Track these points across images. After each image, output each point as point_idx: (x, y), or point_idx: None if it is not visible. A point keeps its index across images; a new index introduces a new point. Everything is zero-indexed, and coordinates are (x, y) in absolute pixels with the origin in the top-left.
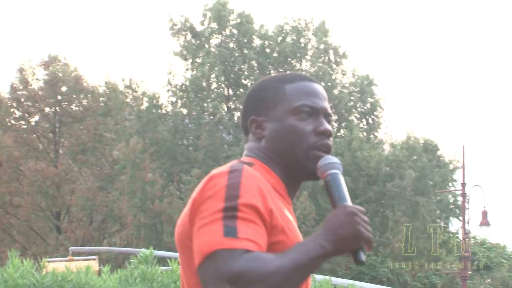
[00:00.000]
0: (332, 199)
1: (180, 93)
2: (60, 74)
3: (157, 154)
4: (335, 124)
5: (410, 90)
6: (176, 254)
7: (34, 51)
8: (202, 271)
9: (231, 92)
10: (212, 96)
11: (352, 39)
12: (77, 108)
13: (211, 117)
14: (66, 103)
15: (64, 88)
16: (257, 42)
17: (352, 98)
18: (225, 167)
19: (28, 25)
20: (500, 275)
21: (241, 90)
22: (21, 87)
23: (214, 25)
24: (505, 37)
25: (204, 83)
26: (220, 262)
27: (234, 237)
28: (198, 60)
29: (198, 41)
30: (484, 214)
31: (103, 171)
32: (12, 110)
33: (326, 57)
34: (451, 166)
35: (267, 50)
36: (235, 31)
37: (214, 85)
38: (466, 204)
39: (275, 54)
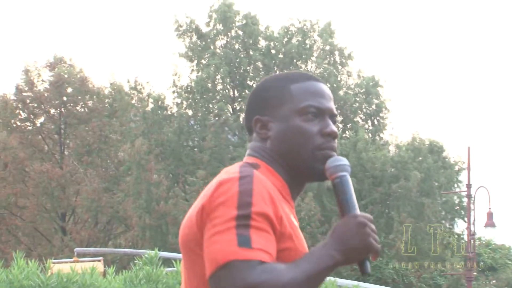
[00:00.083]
0: (341, 204)
1: (186, 94)
2: (66, 76)
3: (162, 156)
4: (341, 126)
5: (416, 92)
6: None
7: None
8: (215, 281)
9: (236, 93)
10: (218, 97)
11: (357, 40)
12: (82, 110)
13: (217, 118)
14: (72, 105)
15: (69, 90)
16: (262, 43)
17: (358, 99)
18: (234, 172)
19: (34, 26)
20: (505, 276)
21: (247, 91)
22: (26, 89)
23: (219, 26)
24: (511, 38)
25: (209, 85)
26: (235, 273)
27: (249, 247)
28: (203, 62)
29: (203, 43)
30: (490, 215)
31: (108, 173)
32: (17, 111)
33: (332, 59)
34: (457, 167)
35: (273, 51)
36: (240, 33)
37: (219, 87)
38: (471, 205)
39: (281, 56)
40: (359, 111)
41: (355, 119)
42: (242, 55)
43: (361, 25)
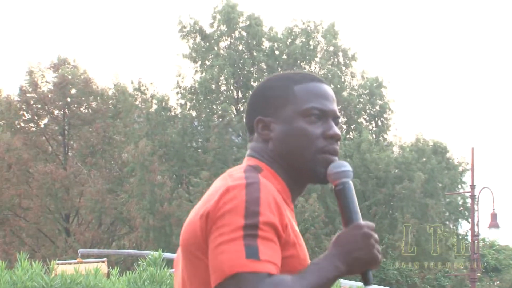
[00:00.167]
0: (344, 211)
1: (189, 95)
2: (70, 77)
3: (166, 157)
4: (344, 127)
5: (419, 92)
6: None
7: (43, 54)
8: None
9: (240, 94)
10: (221, 98)
11: (361, 41)
12: (86, 111)
13: (220, 119)
14: (75, 106)
15: (73, 91)
16: (266, 44)
17: (361, 100)
18: (240, 177)
19: (38, 27)
20: (509, 277)
21: (250, 92)
22: (30, 90)
23: (223, 27)
24: None
25: (213, 86)
26: (243, 285)
27: (256, 259)
28: (207, 63)
29: (207, 44)
30: (493, 216)
31: (112, 174)
32: (21, 112)
33: (335, 59)
34: (460, 168)
35: (276, 52)
36: (244, 34)
37: (223, 88)
38: (475, 206)
39: (284, 57)
40: (363, 112)
41: (359, 120)
42: (245, 56)
43: (365, 26)
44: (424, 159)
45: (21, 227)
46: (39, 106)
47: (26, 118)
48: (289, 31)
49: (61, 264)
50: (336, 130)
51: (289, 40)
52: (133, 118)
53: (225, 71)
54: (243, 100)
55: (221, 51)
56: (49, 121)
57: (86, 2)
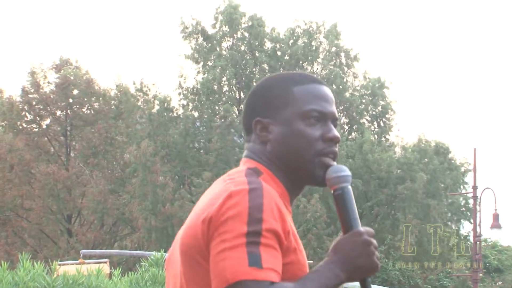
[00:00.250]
0: (344, 217)
1: (192, 96)
2: (72, 77)
3: (168, 157)
4: (346, 127)
5: (422, 93)
6: None
7: (45, 54)
8: None
9: (242, 95)
10: (224, 99)
11: (363, 42)
12: (88, 111)
13: (222, 120)
14: (78, 106)
15: (75, 91)
16: (268, 45)
17: (364, 101)
18: (243, 182)
19: (40, 28)
20: (511, 277)
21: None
22: (32, 90)
23: (225, 28)
24: None
25: (215, 86)
26: None
27: (259, 267)
28: (209, 63)
29: (209, 44)
30: (495, 216)
31: (114, 174)
32: (23, 113)
33: (338, 60)
34: (463, 169)
35: (279, 53)
36: (246, 34)
37: (225, 88)
38: (477, 207)
39: (287, 57)
40: (365, 113)
41: (361, 121)
42: (248, 57)
43: (367, 26)
44: (426, 160)
45: (23, 228)
46: (41, 107)
47: (28, 119)
48: (291, 31)
49: (63, 264)
50: (336, 132)
51: (291, 41)
52: (135, 118)
53: (227, 71)
54: (245, 101)
55: (223, 52)
56: (51, 122)
57: (88, 2)
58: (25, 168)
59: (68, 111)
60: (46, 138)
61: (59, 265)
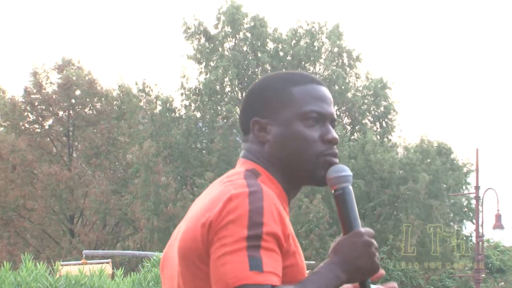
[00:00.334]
0: (344, 217)
1: (194, 96)
2: (74, 78)
3: (171, 158)
4: (349, 128)
5: (424, 94)
6: None
7: (48, 55)
8: None
9: (244, 95)
10: (226, 99)
11: (366, 42)
12: (90, 112)
13: (225, 120)
14: (80, 107)
15: (78, 92)
16: (270, 45)
17: (366, 101)
18: (242, 185)
19: (42, 29)
20: None
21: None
22: (35, 91)
23: (228, 28)
24: None
25: (217, 87)
26: None
27: (260, 271)
28: (211, 64)
29: (211, 45)
30: (498, 217)
31: (117, 175)
32: (25, 113)
33: (340, 60)
34: (465, 169)
35: (281, 53)
36: (248, 35)
37: (227, 89)
38: (479, 207)
39: (289, 58)
40: (367, 113)
41: (364, 121)
42: (250, 57)
43: (369, 27)
44: (428, 160)
45: (26, 228)
46: (44, 107)
47: (30, 119)
48: (294, 32)
49: (66, 265)
50: (334, 134)
51: (294, 41)
52: (138, 119)
53: (230, 72)
54: (242, 100)
55: (226, 52)
56: (53, 122)
57: (90, 3)
58: (27, 169)
59: (71, 112)
60: (48, 139)
61: (62, 265)
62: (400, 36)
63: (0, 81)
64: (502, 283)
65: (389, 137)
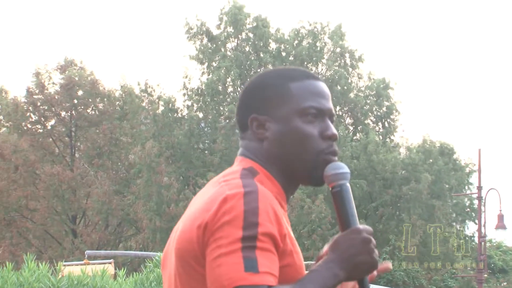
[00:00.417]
0: (342, 215)
1: (196, 96)
2: (76, 78)
3: (173, 158)
4: (351, 128)
5: (426, 94)
6: None
7: (50, 55)
8: None
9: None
10: (228, 99)
11: (368, 42)
12: (93, 112)
13: (227, 120)
14: (82, 107)
15: (80, 92)
16: (273, 45)
17: (368, 101)
18: (238, 185)
19: (45, 29)
20: None
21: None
22: (37, 91)
23: (230, 29)
24: None
25: (220, 87)
26: None
27: (255, 272)
28: (214, 64)
29: (214, 45)
30: (500, 217)
31: (119, 175)
32: (28, 114)
33: (342, 61)
34: (467, 170)
35: (283, 53)
36: (251, 35)
37: (230, 89)
38: (482, 207)
39: (291, 58)
40: (370, 113)
41: (366, 122)
42: (252, 58)
43: (371, 27)
44: (431, 160)
45: (28, 229)
46: (46, 108)
47: (33, 120)
48: (296, 32)
49: (68, 265)
50: (334, 130)
51: (296, 42)
52: (140, 119)
53: (232, 72)
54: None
55: (228, 53)
56: (56, 123)
57: (92, 3)
58: (29, 169)
59: (73, 112)
60: (51, 139)
61: (64, 265)
62: (403, 36)
63: (2, 82)
64: (505, 283)
65: (392, 137)
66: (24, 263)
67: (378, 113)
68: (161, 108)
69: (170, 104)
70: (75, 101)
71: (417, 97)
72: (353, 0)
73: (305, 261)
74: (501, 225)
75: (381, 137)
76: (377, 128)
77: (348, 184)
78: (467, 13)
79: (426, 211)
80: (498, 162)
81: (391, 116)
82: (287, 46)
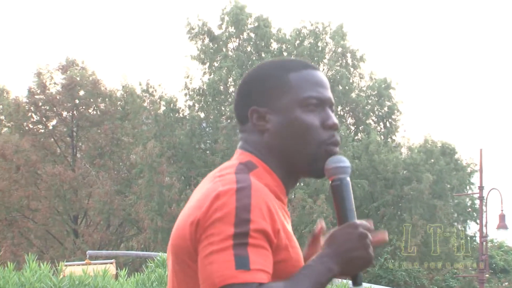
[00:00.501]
0: (340, 208)
1: (198, 97)
2: (78, 78)
3: (175, 158)
4: (353, 128)
5: (428, 94)
6: None
7: (52, 55)
8: None
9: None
10: (230, 100)
11: (370, 42)
12: (94, 112)
13: (229, 121)
14: (84, 107)
15: (81, 92)
16: (274, 45)
17: (370, 101)
18: (231, 180)
19: (46, 29)
20: None
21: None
22: (38, 91)
23: (231, 29)
24: None
25: (221, 87)
26: None
27: (247, 269)
28: (215, 64)
29: (215, 45)
30: (502, 217)
31: (121, 175)
32: (29, 114)
33: (344, 61)
34: (469, 169)
35: (285, 53)
36: (252, 35)
37: (231, 89)
38: (483, 208)
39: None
40: (371, 113)
41: (367, 121)
42: (254, 58)
43: (373, 27)
44: (432, 160)
45: (30, 229)
46: (48, 108)
47: (34, 120)
48: (298, 32)
49: (70, 265)
50: (335, 119)
51: (298, 42)
52: (141, 119)
53: (234, 72)
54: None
55: (230, 53)
56: (57, 123)
57: (94, 3)
58: (31, 169)
59: (74, 112)
60: (52, 139)
61: (65, 266)
62: (404, 36)
63: (4, 82)
64: (506, 283)
65: (393, 137)
66: (26, 263)
67: (380, 113)
68: (163, 108)
69: (172, 104)
70: (77, 101)
71: (419, 97)
72: (354, 0)
73: None
74: (502, 225)
75: (382, 137)
76: (378, 128)
77: (348, 179)
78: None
79: (428, 211)
80: (499, 162)
81: (393, 116)
82: (288, 46)
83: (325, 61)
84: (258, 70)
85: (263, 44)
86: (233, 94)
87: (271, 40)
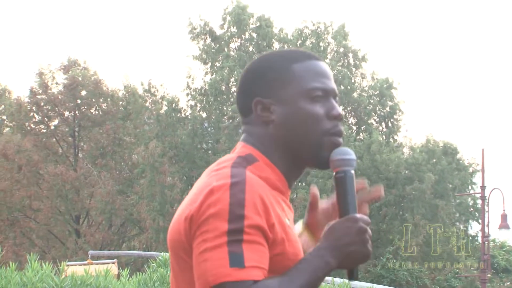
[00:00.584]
0: (342, 201)
1: (199, 96)
2: (80, 78)
3: (176, 158)
4: (354, 128)
5: (430, 93)
6: None
7: (53, 55)
8: None
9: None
10: (231, 99)
11: (371, 42)
12: (96, 112)
13: (230, 120)
14: (86, 107)
15: (83, 92)
16: (276, 45)
17: (372, 101)
18: (226, 175)
19: (48, 29)
20: None
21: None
22: (40, 91)
23: (233, 29)
24: None
25: (223, 87)
26: None
27: (241, 267)
28: (217, 64)
29: (217, 45)
30: (504, 217)
31: (122, 175)
32: (31, 114)
33: (346, 61)
34: (471, 169)
35: None
36: (254, 35)
37: (233, 89)
38: (485, 207)
39: None
40: (373, 113)
41: (369, 121)
42: (256, 58)
43: (375, 27)
44: (434, 160)
45: (32, 229)
46: (49, 108)
47: (36, 120)
48: (299, 32)
49: (71, 265)
50: (339, 109)
51: (299, 41)
52: (143, 119)
53: (235, 72)
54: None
55: (231, 53)
56: (59, 123)
57: (96, 3)
58: (33, 169)
59: (76, 112)
60: (54, 139)
61: (67, 265)
62: (406, 36)
63: (6, 82)
64: (508, 283)
65: (395, 137)
66: (28, 263)
67: (382, 113)
68: (165, 108)
69: (174, 104)
70: (79, 101)
71: (421, 97)
72: (356, 0)
73: None
74: (504, 225)
75: (384, 137)
76: (380, 128)
77: (352, 172)
78: (471, 13)
79: (430, 211)
80: (501, 161)
81: (395, 116)
82: (290, 46)
83: (327, 61)
84: (261, 61)
85: (265, 44)
86: (235, 94)
87: (273, 40)
